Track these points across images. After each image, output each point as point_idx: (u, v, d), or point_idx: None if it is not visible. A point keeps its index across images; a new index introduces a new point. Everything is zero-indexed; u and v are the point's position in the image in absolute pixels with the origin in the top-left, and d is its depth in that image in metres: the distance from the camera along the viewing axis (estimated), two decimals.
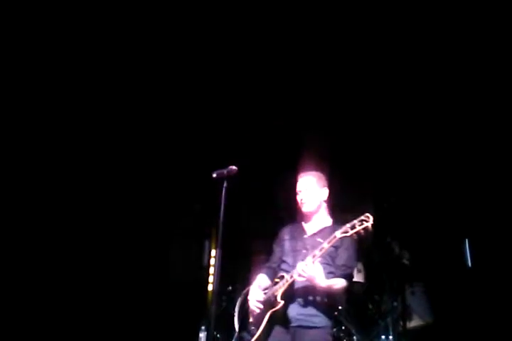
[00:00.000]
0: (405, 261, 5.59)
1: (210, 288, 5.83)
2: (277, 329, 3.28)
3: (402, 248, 5.63)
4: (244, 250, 5.74)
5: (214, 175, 3.25)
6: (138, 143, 5.56)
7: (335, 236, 3.10)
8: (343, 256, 3.30)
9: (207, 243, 6.18)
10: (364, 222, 3.04)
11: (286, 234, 3.62)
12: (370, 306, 5.54)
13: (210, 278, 5.65)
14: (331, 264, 3.32)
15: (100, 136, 5.32)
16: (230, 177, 3.25)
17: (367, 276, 5.36)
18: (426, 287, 5.57)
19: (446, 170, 5.66)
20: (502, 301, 4.94)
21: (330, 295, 3.25)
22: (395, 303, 5.39)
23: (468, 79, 5.11)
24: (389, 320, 5.21)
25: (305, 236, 3.50)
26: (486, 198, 5.35)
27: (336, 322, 5.18)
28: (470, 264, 5.60)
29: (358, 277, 5.27)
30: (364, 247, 5.54)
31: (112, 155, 5.39)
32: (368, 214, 3.07)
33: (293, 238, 3.54)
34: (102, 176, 5.34)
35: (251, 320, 3.39)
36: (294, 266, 3.32)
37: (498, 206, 5.25)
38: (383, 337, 4.60)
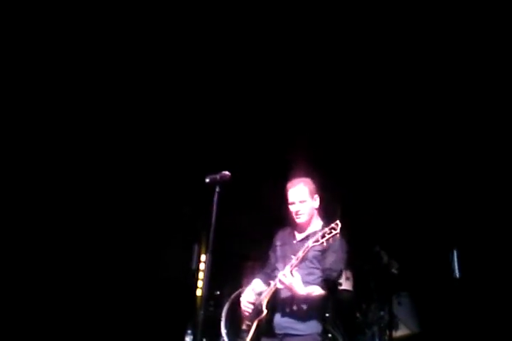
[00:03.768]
0: (393, 271, 5.60)
1: (198, 292, 5.80)
2: (264, 338, 3.29)
3: (391, 257, 5.66)
4: (233, 255, 5.73)
5: (207, 180, 3.24)
6: (132, 146, 5.53)
7: (308, 246, 3.14)
8: (329, 260, 3.31)
9: (196, 247, 6.16)
10: (333, 230, 3.07)
11: (278, 239, 3.64)
12: (358, 315, 5.55)
13: (199, 283, 5.62)
14: (319, 268, 3.33)
15: (94, 138, 5.29)
16: (223, 182, 3.24)
17: (355, 285, 5.35)
18: (413, 297, 5.59)
19: (435, 180, 5.69)
20: (489, 312, 4.96)
21: (311, 302, 3.25)
22: (382, 312, 5.39)
23: (449, 86, 5.15)
24: (375, 329, 5.22)
25: (294, 241, 3.51)
26: (475, 208, 5.38)
27: (322, 329, 5.20)
28: (458, 274, 5.62)
29: (346, 285, 5.28)
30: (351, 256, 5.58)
31: (106, 158, 5.36)
32: (337, 222, 3.10)
33: (284, 243, 3.56)
34: (95, 178, 5.31)
35: (244, 327, 3.40)
36: None
37: (486, 216, 5.27)
38: None
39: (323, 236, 3.09)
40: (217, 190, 3.23)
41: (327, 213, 3.67)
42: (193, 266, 6.04)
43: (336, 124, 5.77)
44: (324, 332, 5.13)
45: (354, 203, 5.90)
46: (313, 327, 3.29)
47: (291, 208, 3.48)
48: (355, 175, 5.96)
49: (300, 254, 3.15)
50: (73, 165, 5.23)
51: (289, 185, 3.55)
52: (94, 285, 5.16)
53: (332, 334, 5.20)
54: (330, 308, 5.37)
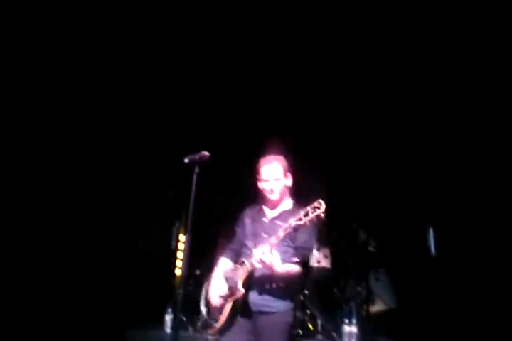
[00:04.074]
0: (371, 248, 5.71)
1: (177, 271, 5.83)
2: (240, 317, 3.30)
3: (369, 235, 5.76)
4: (212, 234, 5.75)
5: (186, 161, 3.20)
6: (110, 128, 5.44)
7: (290, 225, 3.12)
8: (301, 238, 3.31)
9: (176, 227, 6.16)
10: (316, 209, 3.06)
11: (247, 216, 3.57)
12: (335, 291, 5.66)
13: (178, 262, 5.65)
14: (292, 246, 3.34)
15: (77, 121, 5.19)
16: (202, 163, 3.21)
17: (333, 262, 5.45)
18: (390, 273, 5.71)
19: (412, 159, 5.74)
20: (463, 288, 5.09)
21: (288, 280, 3.29)
22: (359, 288, 5.52)
23: (430, 79, 5.19)
24: (353, 304, 5.32)
25: (265, 219, 3.49)
26: (451, 187, 5.46)
27: (301, 306, 5.30)
28: (434, 252, 5.74)
29: (324, 263, 5.37)
30: (330, 234, 5.66)
31: (86, 140, 5.27)
32: (320, 201, 3.08)
33: (254, 221, 3.51)
34: (79, 159, 5.22)
35: (214, 307, 3.39)
36: (253, 250, 3.32)
37: (461, 195, 5.36)
38: (347, 320, 4.70)
39: (306, 215, 3.08)
40: (196, 170, 3.19)
41: (309, 192, 3.69)
42: (173, 246, 6.05)
43: (316, 105, 5.76)
44: (303, 308, 5.30)
45: (333, 182, 5.95)
46: (287, 304, 3.32)
47: (265, 185, 3.44)
48: (334, 155, 5.99)
49: (281, 234, 3.13)
50: (59, 149, 5.13)
51: (262, 161, 3.50)
52: (74, 261, 5.13)
53: (310, 311, 5.31)
54: (308, 285, 5.50)
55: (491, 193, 5.06)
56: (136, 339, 4.79)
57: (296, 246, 3.31)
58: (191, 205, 3.16)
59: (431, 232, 5.78)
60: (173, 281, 5.80)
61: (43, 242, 4.94)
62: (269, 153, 3.59)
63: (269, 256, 3.10)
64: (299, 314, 5.24)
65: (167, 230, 6.21)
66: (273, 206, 3.51)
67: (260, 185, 3.49)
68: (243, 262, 3.30)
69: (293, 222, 3.10)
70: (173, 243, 6.06)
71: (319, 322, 5.19)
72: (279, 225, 3.31)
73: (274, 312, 3.25)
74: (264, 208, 3.55)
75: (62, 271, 5.00)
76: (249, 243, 3.42)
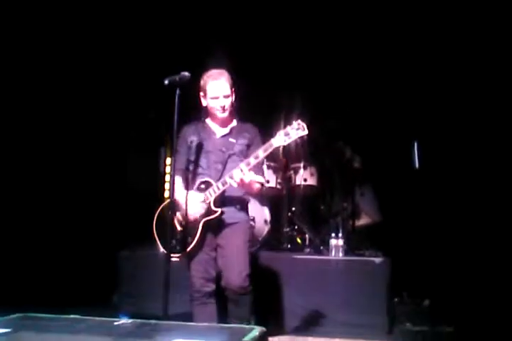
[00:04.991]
0: (356, 165, 5.79)
1: (165, 194, 5.89)
2: (209, 236, 3.36)
3: (354, 152, 5.81)
4: None
5: (166, 82, 3.10)
6: (85, 52, 5.22)
7: (271, 145, 3.08)
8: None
9: (162, 151, 6.13)
10: (299, 131, 3.04)
11: (191, 134, 3.44)
12: (322, 207, 5.82)
13: (166, 186, 5.69)
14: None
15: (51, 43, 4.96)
16: (183, 84, 3.13)
17: (319, 180, 5.53)
18: (375, 187, 5.85)
19: (396, 74, 5.66)
20: (444, 202, 5.25)
21: (256, 193, 3.50)
22: (345, 204, 5.67)
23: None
24: (339, 219, 5.49)
25: (215, 136, 3.44)
26: (434, 101, 5.45)
27: (289, 222, 5.47)
28: (417, 165, 5.85)
29: (311, 181, 5.45)
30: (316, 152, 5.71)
31: (63, 65, 5.07)
32: (299, 122, 3.05)
33: (202, 139, 3.41)
34: (54, 85, 5.05)
35: (179, 228, 3.33)
36: (209, 168, 3.35)
37: (445, 109, 5.36)
38: (334, 234, 4.87)
39: (287, 136, 3.05)
40: (177, 92, 3.11)
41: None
42: (161, 170, 6.07)
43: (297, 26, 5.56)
44: (291, 224, 5.48)
45: (317, 101, 5.90)
46: (246, 214, 3.48)
47: (214, 103, 3.33)
48: (317, 72, 5.87)
49: (261, 154, 3.11)
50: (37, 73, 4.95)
51: (207, 77, 3.35)
52: (64, 187, 5.15)
53: (298, 226, 5.49)
54: (296, 202, 5.63)
55: (473, 107, 5.06)
56: (130, 261, 4.93)
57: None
58: (175, 128, 3.11)
59: (415, 146, 5.85)
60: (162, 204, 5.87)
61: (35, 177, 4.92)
62: (212, 66, 3.45)
63: (248, 175, 3.14)
64: (287, 229, 5.44)
65: (153, 156, 6.21)
66: (223, 124, 3.45)
67: (207, 102, 3.38)
68: (207, 181, 3.29)
69: (276, 142, 3.08)
70: (162, 167, 6.07)
71: (307, 236, 5.39)
72: (232, 142, 3.37)
73: (236, 223, 3.38)
74: (212, 125, 3.48)
75: (53, 194, 5.03)
76: (203, 161, 3.39)
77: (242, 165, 3.14)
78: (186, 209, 3.21)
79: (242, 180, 3.13)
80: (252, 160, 3.14)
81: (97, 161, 5.44)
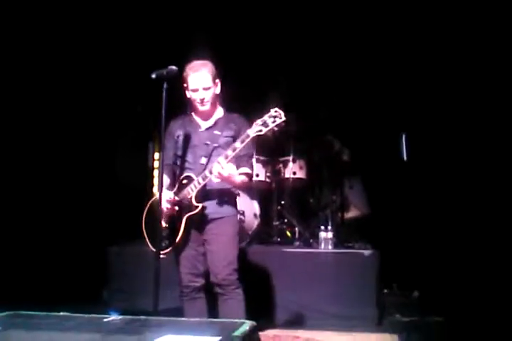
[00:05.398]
0: (345, 157, 5.81)
1: (154, 189, 5.87)
2: (194, 231, 3.33)
3: (343, 145, 5.82)
4: None
5: (153, 76, 3.07)
6: (72, 46, 5.16)
7: (248, 135, 3.02)
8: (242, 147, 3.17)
9: (150, 146, 6.10)
10: (277, 119, 2.98)
11: (177, 128, 3.41)
12: (311, 200, 5.83)
13: (155, 181, 5.66)
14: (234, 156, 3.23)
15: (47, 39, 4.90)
16: (170, 78, 3.10)
17: (308, 173, 5.54)
18: (363, 180, 5.87)
19: (384, 67, 5.66)
20: (433, 194, 5.28)
21: (240, 187, 3.43)
22: (334, 197, 5.69)
23: None
24: (328, 212, 5.51)
25: (200, 129, 3.38)
26: (422, 93, 5.46)
27: (278, 215, 5.48)
28: (405, 158, 5.87)
29: (300, 174, 5.46)
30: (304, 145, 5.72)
31: (49, 60, 5.01)
32: (276, 109, 2.99)
33: (187, 133, 3.37)
34: (41, 80, 4.99)
35: (164, 225, 3.31)
36: (195, 163, 3.30)
37: (433, 101, 5.38)
38: (323, 227, 4.88)
39: (265, 125, 2.99)
40: (164, 86, 3.08)
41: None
42: (150, 165, 6.04)
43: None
44: (280, 217, 5.49)
45: (306, 94, 5.89)
46: (234, 209, 3.43)
47: (195, 95, 3.28)
48: (305, 64, 5.86)
49: (238, 145, 3.04)
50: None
51: (189, 68, 3.28)
52: (52, 180, 5.11)
53: (288, 219, 5.50)
54: (285, 195, 5.64)
55: (461, 99, 5.08)
56: (120, 257, 4.92)
57: (240, 155, 3.23)
58: (163, 122, 3.09)
59: (403, 138, 5.87)
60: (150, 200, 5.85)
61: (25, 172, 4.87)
62: (195, 57, 3.39)
63: (227, 168, 3.07)
64: (277, 223, 5.45)
65: (141, 151, 6.18)
66: (206, 116, 3.40)
67: (189, 94, 3.33)
68: (189, 176, 3.25)
69: (252, 132, 3.01)
70: (150, 161, 6.05)
71: (297, 229, 5.40)
72: (217, 134, 3.30)
73: (222, 217, 3.32)
74: (196, 118, 3.43)
75: (42, 190, 4.98)
76: (188, 156, 3.35)
77: (221, 158, 3.06)
78: (161, 207, 3.18)
79: (220, 173, 3.06)
80: (230, 153, 3.06)
81: (86, 156, 5.38)
